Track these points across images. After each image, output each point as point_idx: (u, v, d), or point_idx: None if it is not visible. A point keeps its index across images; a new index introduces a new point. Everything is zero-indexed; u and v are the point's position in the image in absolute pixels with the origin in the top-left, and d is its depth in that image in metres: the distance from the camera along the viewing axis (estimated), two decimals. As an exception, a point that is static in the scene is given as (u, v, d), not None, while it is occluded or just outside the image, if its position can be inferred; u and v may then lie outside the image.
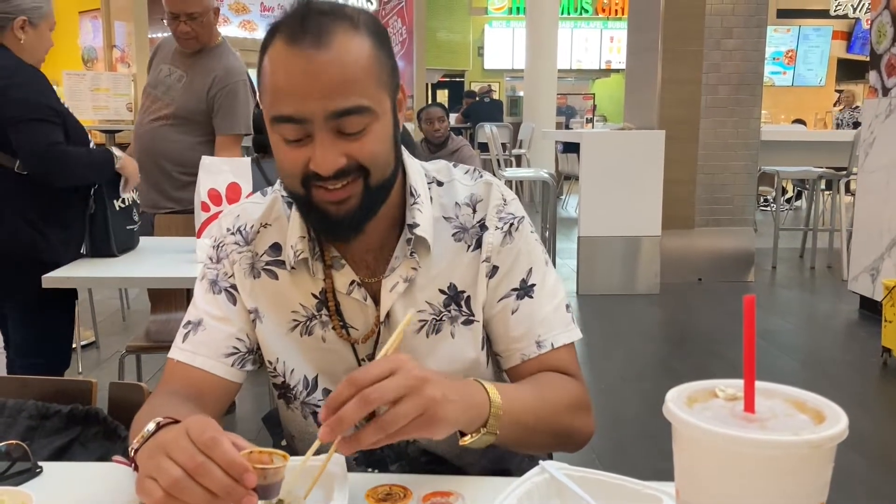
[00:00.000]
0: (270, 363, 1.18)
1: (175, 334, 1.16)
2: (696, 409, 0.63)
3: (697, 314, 5.23)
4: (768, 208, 9.58)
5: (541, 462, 0.96)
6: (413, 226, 1.11)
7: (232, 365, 1.14)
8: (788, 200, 9.88)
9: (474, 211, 1.16)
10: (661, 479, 0.91)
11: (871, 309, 4.80)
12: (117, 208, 2.60)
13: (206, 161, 2.41)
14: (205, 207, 2.39)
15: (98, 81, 7.87)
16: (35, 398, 1.24)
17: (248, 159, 2.51)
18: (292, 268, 1.13)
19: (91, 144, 2.65)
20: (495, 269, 1.15)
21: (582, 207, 5.66)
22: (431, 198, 1.16)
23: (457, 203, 1.16)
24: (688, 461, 0.62)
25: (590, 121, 13.63)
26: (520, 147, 11.18)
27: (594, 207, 5.56)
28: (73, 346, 2.86)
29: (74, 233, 2.57)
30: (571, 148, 9.24)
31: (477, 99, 13.77)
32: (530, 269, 1.16)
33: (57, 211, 2.53)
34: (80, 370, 3.85)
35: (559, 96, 12.53)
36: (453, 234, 1.15)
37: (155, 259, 2.60)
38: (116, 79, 8.32)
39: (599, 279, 5.55)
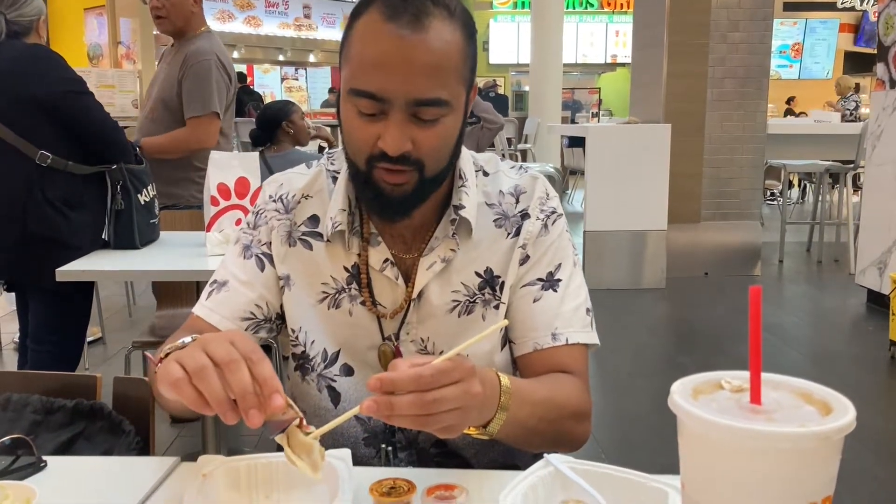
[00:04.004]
0: (293, 331, 1.20)
1: None
2: (701, 400, 0.62)
3: (704, 308, 5.21)
4: (775, 202, 9.55)
5: (546, 456, 0.95)
6: (459, 207, 1.13)
7: (246, 329, 1.17)
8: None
9: (517, 201, 1.18)
10: (666, 472, 0.90)
11: (878, 302, 4.78)
12: (142, 202, 2.67)
13: (215, 156, 2.42)
14: (214, 202, 2.40)
15: (104, 78, 7.87)
16: (40, 393, 1.24)
17: (255, 154, 2.51)
18: (328, 240, 1.15)
19: None
20: (527, 257, 1.17)
21: (588, 202, 5.64)
22: (476, 185, 1.17)
23: (501, 191, 1.19)
24: (693, 454, 0.61)
25: (595, 115, 13.58)
26: (525, 142, 11.16)
27: (600, 202, 5.54)
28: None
29: (95, 216, 2.63)
30: (577, 142, 9.22)
31: (482, 94, 13.74)
32: (559, 265, 1.17)
33: (78, 195, 2.60)
34: (87, 366, 3.86)
35: (565, 91, 12.50)
36: (494, 220, 1.17)
37: (165, 253, 2.62)
38: (122, 75, 8.32)
39: (605, 274, 5.53)
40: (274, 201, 1.20)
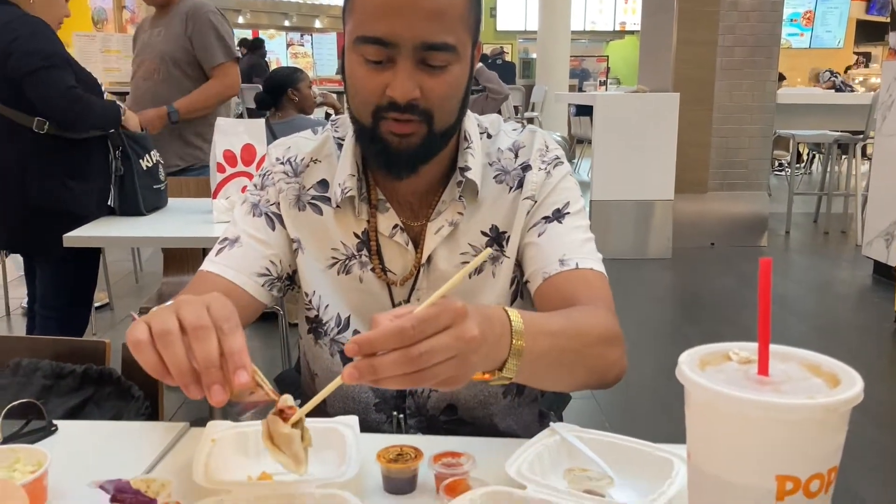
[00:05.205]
0: (307, 295, 1.19)
1: None
2: (709, 371, 0.62)
3: (710, 279, 5.21)
4: (782, 173, 9.49)
5: (552, 424, 0.96)
6: (465, 169, 1.12)
7: (262, 285, 1.15)
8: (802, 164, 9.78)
9: (516, 156, 1.18)
10: (671, 442, 0.91)
11: (884, 274, 4.77)
12: (144, 168, 2.67)
13: (220, 122, 2.42)
14: (220, 168, 2.41)
15: (108, 43, 7.81)
16: (49, 358, 1.25)
17: (261, 121, 2.51)
18: (337, 206, 1.15)
19: (105, 95, 2.70)
20: (534, 203, 1.16)
21: (594, 171, 5.62)
22: (480, 147, 1.17)
23: (499, 149, 1.18)
24: (700, 424, 0.62)
25: (603, 83, 13.48)
26: (532, 110, 11.09)
27: (607, 171, 5.52)
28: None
29: (97, 184, 2.63)
30: (584, 111, 9.14)
31: (489, 61, 13.63)
32: (567, 203, 1.16)
33: (78, 164, 2.60)
34: (94, 331, 3.89)
35: (572, 59, 12.40)
36: (494, 177, 1.17)
37: (171, 220, 2.63)
38: (126, 40, 8.24)
39: (611, 243, 5.52)
40: (282, 164, 1.19)
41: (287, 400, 0.78)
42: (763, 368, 0.61)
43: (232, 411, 0.75)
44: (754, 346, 0.64)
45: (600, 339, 0.98)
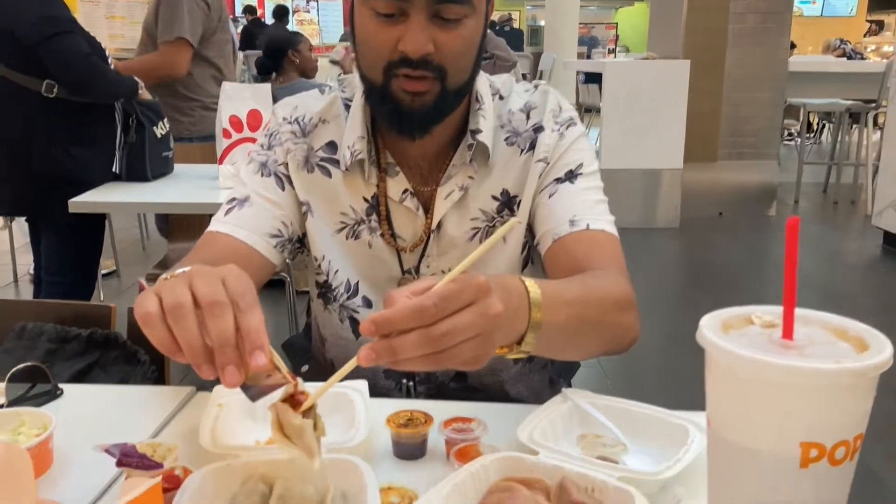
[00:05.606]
0: (316, 259, 1.17)
1: None
2: (731, 335, 0.60)
3: (717, 248, 5.18)
4: (792, 142, 9.41)
5: (564, 390, 0.95)
6: (476, 131, 1.09)
7: (274, 246, 1.11)
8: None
9: (528, 117, 1.14)
10: (678, 409, 0.90)
11: (895, 244, 4.74)
12: (158, 136, 2.66)
13: (226, 87, 2.39)
14: (226, 134, 2.39)
15: (113, 9, 7.74)
16: (54, 322, 1.24)
17: (267, 85, 2.47)
18: (346, 169, 1.11)
19: (110, 61, 2.70)
20: (546, 165, 1.12)
21: (603, 140, 5.56)
22: (492, 109, 1.13)
23: (510, 110, 1.15)
24: (722, 390, 0.60)
25: (612, 51, 13.35)
26: (540, 78, 10.98)
27: (615, 140, 5.46)
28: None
29: (102, 151, 2.62)
30: (593, 79, 9.06)
31: (496, 28, 13.49)
32: (580, 164, 1.13)
33: (84, 130, 2.59)
34: (101, 298, 3.89)
35: (581, 26, 12.27)
36: (505, 139, 1.13)
37: (177, 186, 2.63)
38: (131, 6, 8.17)
39: (619, 212, 5.33)
40: (289, 123, 1.16)
41: (298, 385, 0.71)
42: (788, 332, 0.59)
43: (247, 394, 0.70)
44: (777, 309, 0.62)
45: (616, 305, 0.94)
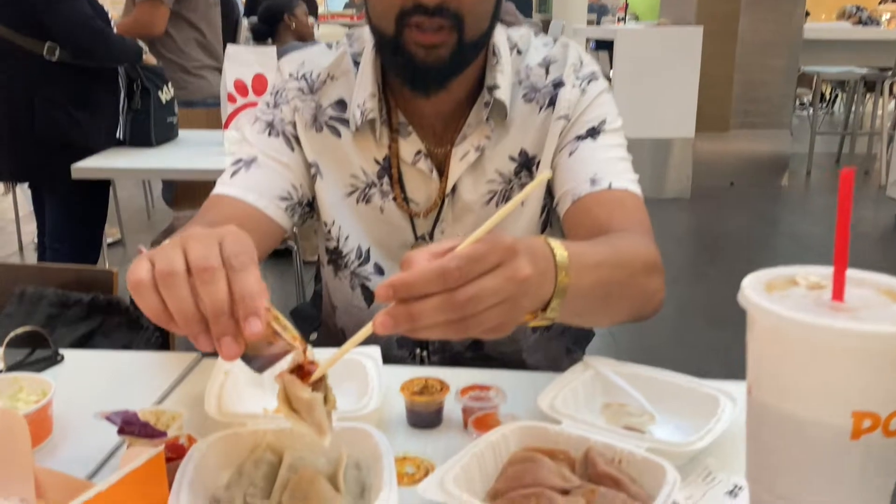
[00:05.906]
0: (326, 224, 1.12)
1: None
2: (774, 296, 0.56)
3: (729, 219, 5.12)
4: (804, 112, 9.29)
5: (585, 358, 0.91)
6: (493, 87, 1.03)
7: (284, 210, 1.05)
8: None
9: (547, 72, 1.08)
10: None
11: (909, 215, 4.67)
12: (163, 101, 2.63)
13: (231, 51, 2.34)
14: (231, 99, 2.34)
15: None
16: (55, 287, 1.21)
17: (273, 48, 2.42)
18: (356, 129, 1.06)
19: (113, 24, 2.66)
20: (567, 122, 1.06)
21: (613, 108, 5.48)
22: (511, 64, 1.07)
23: (528, 65, 1.08)
24: (765, 354, 0.55)
25: (622, 19, 13.17)
26: (548, 46, 10.85)
27: (625, 108, 5.27)
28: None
29: (104, 116, 2.59)
30: (604, 46, 8.94)
31: (505, -4, 13.31)
32: (603, 121, 1.07)
33: (86, 95, 2.56)
34: (107, 267, 3.86)
35: (591, -7, 12.08)
36: (523, 96, 1.07)
37: (181, 152, 2.59)
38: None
39: (629, 182, 5.41)
40: (296, 79, 1.10)
41: (307, 353, 0.65)
42: (839, 293, 0.55)
43: (251, 367, 0.64)
44: (824, 270, 0.58)
45: (644, 268, 0.88)
